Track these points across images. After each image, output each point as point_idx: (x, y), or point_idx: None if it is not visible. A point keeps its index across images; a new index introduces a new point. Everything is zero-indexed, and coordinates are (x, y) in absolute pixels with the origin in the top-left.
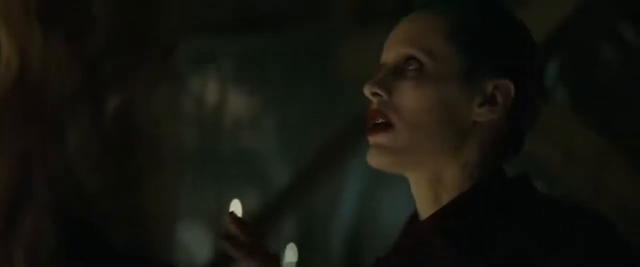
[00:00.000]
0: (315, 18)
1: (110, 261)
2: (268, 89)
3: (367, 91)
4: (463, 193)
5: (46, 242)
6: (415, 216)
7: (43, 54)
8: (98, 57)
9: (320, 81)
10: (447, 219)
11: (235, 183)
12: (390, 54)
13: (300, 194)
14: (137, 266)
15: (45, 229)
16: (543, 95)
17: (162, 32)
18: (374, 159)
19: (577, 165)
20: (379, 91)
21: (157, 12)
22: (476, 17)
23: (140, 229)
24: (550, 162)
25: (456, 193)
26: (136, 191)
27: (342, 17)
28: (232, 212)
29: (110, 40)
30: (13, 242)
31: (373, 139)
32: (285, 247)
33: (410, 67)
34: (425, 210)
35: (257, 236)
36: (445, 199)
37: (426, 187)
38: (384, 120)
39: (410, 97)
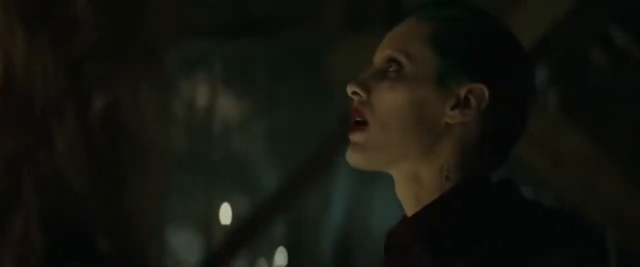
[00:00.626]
0: (305, 23)
1: (98, 265)
2: (258, 94)
3: (348, 90)
4: (442, 195)
5: (35, 247)
6: (404, 217)
7: (27, 58)
8: (83, 59)
9: (310, 86)
10: (426, 221)
11: (225, 187)
12: (378, 56)
13: (289, 197)
14: None
15: (34, 233)
16: (529, 97)
17: (148, 33)
18: (349, 157)
19: (567, 170)
20: (358, 90)
21: (142, 13)
22: (459, 23)
23: (129, 232)
24: (540, 167)
25: (436, 194)
26: (124, 193)
27: (332, 22)
28: None
29: (95, 42)
30: (2, 246)
31: (351, 137)
32: (275, 251)
33: (390, 69)
34: (408, 209)
35: None
36: (425, 199)
37: (406, 186)
38: (361, 119)
39: (385, 97)
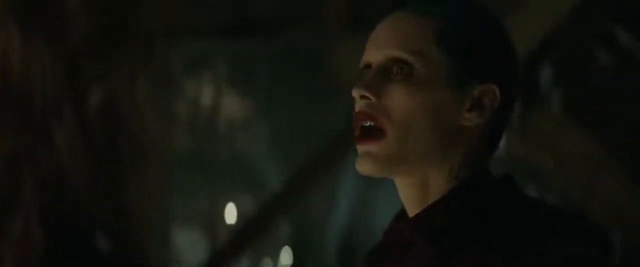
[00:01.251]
0: (308, 23)
1: (99, 265)
2: (260, 94)
3: (356, 93)
4: (447, 194)
5: (36, 246)
6: (401, 214)
7: (24, 57)
8: (79, 57)
9: (313, 85)
10: (430, 219)
11: (229, 187)
12: (377, 54)
13: (294, 197)
14: None
15: (35, 233)
16: (519, 90)
17: (143, 28)
18: (364, 167)
19: (568, 170)
20: (368, 94)
21: (136, 8)
22: (461, 20)
23: (130, 231)
24: (543, 166)
25: (442, 193)
26: (123, 190)
27: (334, 22)
28: None
29: (90, 39)
30: (2, 245)
31: (364, 147)
32: (280, 250)
33: (399, 70)
34: (411, 211)
35: None
36: (431, 200)
37: (414, 191)
38: (374, 124)
39: (401, 102)
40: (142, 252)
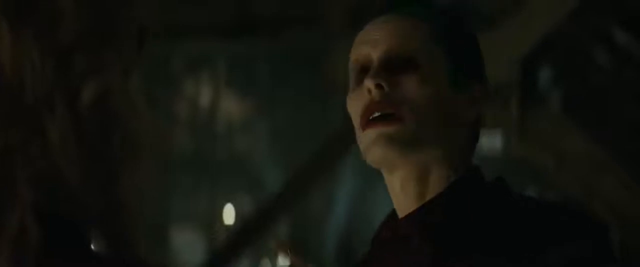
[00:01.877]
0: (308, 24)
1: (95, 262)
2: (260, 93)
3: (370, 83)
4: (446, 190)
5: (31, 243)
6: (392, 216)
7: (13, 52)
8: (71, 51)
9: (313, 86)
10: (428, 215)
11: (229, 187)
12: (374, 52)
13: (293, 197)
14: None
15: (30, 230)
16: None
17: (134, 21)
18: (379, 150)
19: (569, 169)
20: (384, 83)
21: (128, 1)
22: (447, 25)
23: (125, 228)
24: (544, 167)
25: (440, 189)
26: (118, 186)
27: (335, 23)
28: (282, 244)
29: (81, 32)
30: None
31: (381, 129)
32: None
33: (406, 64)
34: (406, 208)
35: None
36: (429, 195)
37: (413, 184)
38: (392, 112)
39: (415, 92)
40: (139, 249)
